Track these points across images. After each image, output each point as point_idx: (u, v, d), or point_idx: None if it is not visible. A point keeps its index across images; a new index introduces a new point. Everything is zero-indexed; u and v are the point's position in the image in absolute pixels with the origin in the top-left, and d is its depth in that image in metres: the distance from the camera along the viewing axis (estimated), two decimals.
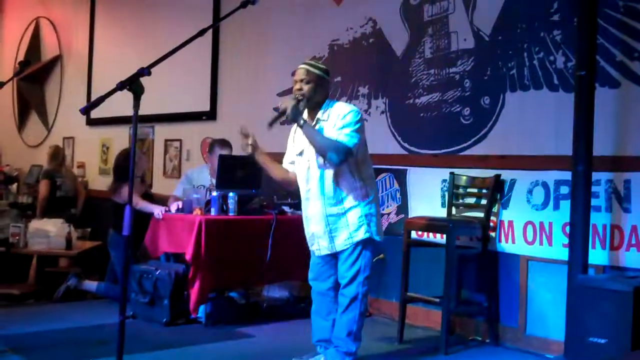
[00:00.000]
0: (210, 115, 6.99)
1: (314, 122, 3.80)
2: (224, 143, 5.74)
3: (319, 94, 3.82)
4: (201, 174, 5.84)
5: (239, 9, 3.34)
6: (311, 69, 3.82)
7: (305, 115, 3.82)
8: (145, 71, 2.76)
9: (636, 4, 4.12)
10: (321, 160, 3.74)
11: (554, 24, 4.51)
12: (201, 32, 3.09)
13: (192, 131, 7.14)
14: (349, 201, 3.77)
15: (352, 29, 5.81)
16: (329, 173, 3.77)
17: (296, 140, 3.97)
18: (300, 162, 3.91)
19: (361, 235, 3.76)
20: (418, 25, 5.33)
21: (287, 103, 3.69)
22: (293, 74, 3.88)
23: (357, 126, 3.71)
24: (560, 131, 4.32)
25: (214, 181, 5.34)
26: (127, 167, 5.60)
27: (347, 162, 3.71)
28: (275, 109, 3.71)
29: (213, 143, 5.83)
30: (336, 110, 3.77)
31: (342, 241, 3.79)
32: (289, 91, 6.18)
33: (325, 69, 3.89)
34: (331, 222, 3.79)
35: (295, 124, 3.76)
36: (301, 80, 3.79)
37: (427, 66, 5.26)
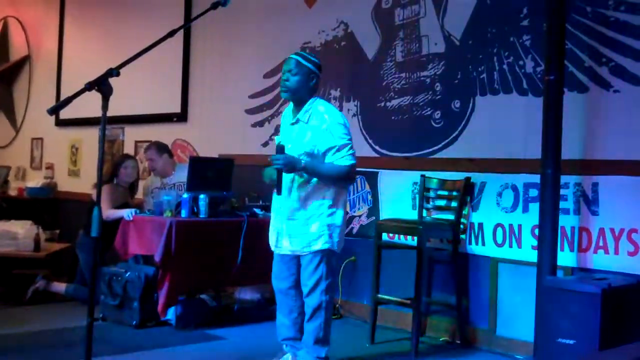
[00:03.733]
0: (181, 116, 6.96)
1: (294, 121, 3.77)
2: (162, 147, 5.83)
3: (305, 90, 3.73)
4: (155, 180, 5.89)
5: (210, 11, 3.34)
6: (302, 60, 3.72)
7: (291, 109, 3.79)
8: (114, 72, 2.74)
9: (604, 10, 4.18)
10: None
11: (523, 29, 4.57)
12: (171, 33, 3.07)
13: (162, 133, 7.08)
14: (315, 208, 3.72)
15: (323, 32, 5.82)
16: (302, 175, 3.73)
17: (282, 133, 3.91)
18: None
19: (320, 245, 3.70)
20: (389, 28, 5.36)
21: (276, 161, 3.58)
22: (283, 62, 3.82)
23: (350, 143, 3.67)
24: (529, 135, 4.37)
25: (166, 180, 5.47)
26: (118, 171, 5.65)
27: None
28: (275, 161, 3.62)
29: (152, 145, 5.88)
30: (320, 115, 3.69)
31: (300, 247, 3.74)
32: (261, 93, 6.21)
33: (318, 63, 3.78)
34: (293, 224, 3.75)
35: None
36: (289, 71, 3.70)
37: (398, 69, 5.29)
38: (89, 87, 2.68)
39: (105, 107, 2.71)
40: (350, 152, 3.67)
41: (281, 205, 3.81)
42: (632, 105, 4.05)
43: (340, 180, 3.68)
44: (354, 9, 5.61)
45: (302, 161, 3.62)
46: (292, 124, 3.80)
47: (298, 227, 3.74)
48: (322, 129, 3.66)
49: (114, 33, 7.76)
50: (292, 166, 3.59)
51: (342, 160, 3.64)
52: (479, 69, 4.77)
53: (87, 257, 5.61)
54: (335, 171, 3.64)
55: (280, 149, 3.63)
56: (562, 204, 4.17)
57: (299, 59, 3.74)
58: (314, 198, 3.72)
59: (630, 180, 4.01)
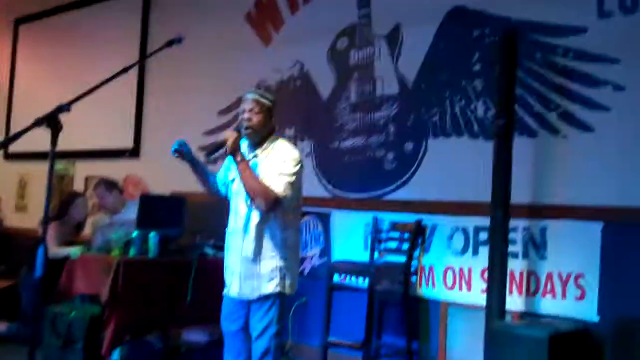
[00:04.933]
0: (134, 151, 6.87)
1: (251, 157, 3.65)
2: (112, 184, 5.73)
3: (267, 128, 3.65)
4: (104, 217, 5.77)
5: (164, 48, 3.31)
6: (261, 99, 3.63)
7: (245, 146, 3.69)
8: (64, 108, 2.68)
9: (553, 57, 4.27)
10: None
11: (475, 74, 4.63)
12: (125, 70, 3.03)
13: (114, 168, 6.99)
14: (267, 250, 3.61)
15: (279, 70, 5.83)
16: (256, 215, 3.61)
17: (233, 167, 3.75)
18: (232, 190, 3.74)
19: (271, 288, 3.59)
20: (344, 69, 5.40)
21: (229, 135, 3.50)
22: (238, 102, 3.75)
23: (293, 177, 3.56)
24: (480, 178, 4.39)
25: (115, 217, 5.36)
26: (67, 209, 5.54)
27: (275, 210, 3.57)
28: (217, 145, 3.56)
29: (102, 182, 5.78)
30: (278, 152, 3.61)
31: (250, 289, 3.64)
32: (216, 129, 6.17)
33: (274, 99, 3.71)
34: (245, 267, 3.64)
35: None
36: (250, 110, 3.59)
37: (352, 110, 5.31)
38: (38, 123, 2.61)
39: (54, 143, 2.64)
40: (287, 184, 3.53)
41: (234, 245, 3.74)
42: (579, 151, 4.12)
43: (260, 200, 3.51)
44: (310, 48, 5.64)
45: (244, 154, 3.52)
46: (248, 160, 3.71)
47: (249, 269, 3.66)
48: (276, 161, 3.59)
49: (67, 67, 7.69)
50: (234, 150, 3.48)
51: (275, 184, 3.51)
52: (432, 112, 4.82)
53: (30, 295, 5.45)
54: (262, 189, 3.50)
55: (239, 136, 3.55)
56: (511, 248, 4.19)
57: (259, 97, 3.66)
58: (268, 239, 3.64)
59: (578, 225, 4.06)
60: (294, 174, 3.57)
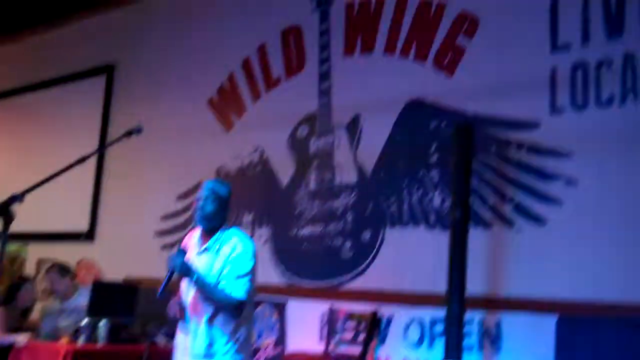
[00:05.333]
0: (89, 235, 6.77)
1: (201, 250, 3.60)
2: (65, 269, 5.59)
3: (219, 217, 3.59)
4: (55, 303, 5.62)
5: (124, 138, 3.33)
6: (218, 189, 3.61)
7: (197, 236, 3.66)
8: (17, 198, 2.64)
9: (507, 151, 4.35)
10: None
11: (432, 164, 4.70)
12: (83, 159, 3.05)
13: (68, 251, 6.83)
14: (219, 345, 3.50)
15: (239, 156, 5.85)
16: (208, 310, 3.50)
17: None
18: (184, 290, 3.63)
19: None
20: (304, 157, 5.43)
21: (172, 260, 3.43)
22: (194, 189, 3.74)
23: (252, 275, 3.52)
24: (436, 268, 4.37)
25: (65, 304, 5.28)
26: (15, 294, 5.38)
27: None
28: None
29: (54, 267, 5.64)
30: (230, 244, 3.54)
31: None
32: (174, 214, 6.12)
33: (230, 190, 3.68)
34: None
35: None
36: (206, 198, 3.56)
37: (311, 198, 5.31)
38: None
39: (6, 231, 2.60)
40: (247, 285, 3.50)
41: (183, 339, 3.62)
42: (533, 243, 4.16)
43: (224, 309, 3.49)
44: (270, 135, 5.68)
45: (196, 274, 3.45)
46: (199, 252, 3.65)
47: None
48: (230, 256, 3.54)
49: (27, 148, 7.63)
50: (186, 271, 3.41)
51: (235, 290, 3.48)
52: (390, 201, 4.85)
53: None
54: (224, 298, 3.46)
55: (181, 253, 3.49)
56: (467, 341, 4.16)
57: (216, 186, 3.64)
58: (220, 334, 3.53)
59: (532, 319, 4.06)
60: (251, 271, 3.54)
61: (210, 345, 3.52)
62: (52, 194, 6.56)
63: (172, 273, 3.45)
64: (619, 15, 4.07)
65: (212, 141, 6.07)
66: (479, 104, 4.52)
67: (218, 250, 3.57)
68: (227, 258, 3.53)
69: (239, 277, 3.48)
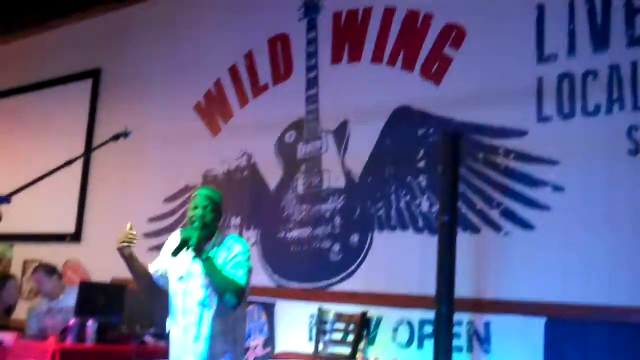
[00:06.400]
0: (75, 236, 6.76)
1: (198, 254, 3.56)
2: (51, 270, 5.59)
3: (216, 224, 3.65)
4: (42, 303, 5.62)
5: (111, 142, 3.35)
6: (213, 196, 3.65)
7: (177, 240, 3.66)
8: (4, 200, 2.67)
9: (495, 157, 4.46)
10: (210, 295, 3.53)
11: (420, 170, 4.79)
12: (69, 163, 3.07)
13: (54, 252, 6.83)
14: (220, 348, 3.55)
15: (227, 160, 5.90)
16: (209, 314, 3.54)
17: (178, 263, 3.65)
18: (177, 289, 3.64)
19: None
20: (292, 162, 5.50)
21: (190, 232, 3.48)
22: (187, 198, 3.78)
23: (248, 267, 3.59)
24: (424, 271, 4.46)
25: (53, 304, 5.27)
26: None
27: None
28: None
29: (40, 267, 5.64)
30: (229, 247, 3.61)
31: None
32: (161, 217, 6.14)
33: (221, 196, 3.74)
34: None
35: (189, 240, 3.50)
36: (205, 207, 3.59)
37: (299, 202, 5.38)
38: None
39: None
40: (244, 276, 3.55)
41: (179, 344, 3.62)
42: (521, 248, 4.26)
43: (231, 294, 3.49)
44: (258, 140, 5.73)
45: (206, 253, 3.50)
46: (194, 258, 3.66)
47: None
48: (230, 255, 3.59)
49: (14, 150, 7.59)
50: (197, 248, 3.46)
51: (238, 277, 3.53)
52: (378, 206, 4.93)
53: None
54: (231, 284, 3.50)
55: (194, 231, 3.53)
56: (456, 342, 4.23)
57: (211, 194, 3.68)
58: (221, 337, 3.55)
59: (521, 321, 4.15)
60: (248, 260, 3.63)
61: (212, 349, 3.56)
62: (39, 196, 6.58)
63: (185, 242, 3.48)
64: (605, 27, 4.19)
65: (199, 145, 6.11)
66: (466, 112, 4.61)
67: (215, 256, 3.60)
68: (226, 257, 3.59)
69: (240, 267, 3.57)
